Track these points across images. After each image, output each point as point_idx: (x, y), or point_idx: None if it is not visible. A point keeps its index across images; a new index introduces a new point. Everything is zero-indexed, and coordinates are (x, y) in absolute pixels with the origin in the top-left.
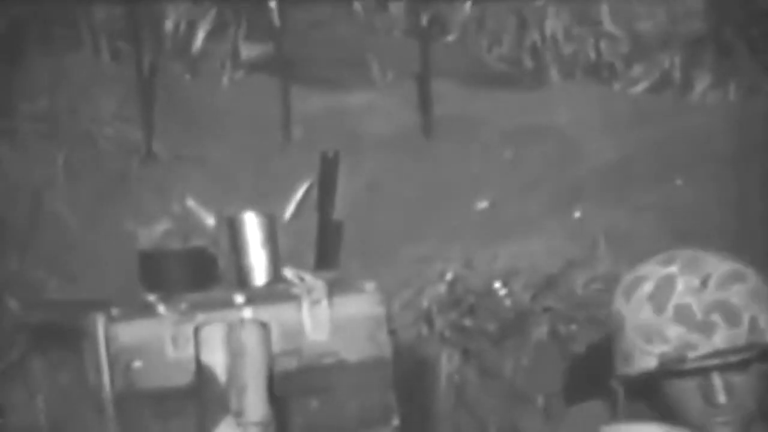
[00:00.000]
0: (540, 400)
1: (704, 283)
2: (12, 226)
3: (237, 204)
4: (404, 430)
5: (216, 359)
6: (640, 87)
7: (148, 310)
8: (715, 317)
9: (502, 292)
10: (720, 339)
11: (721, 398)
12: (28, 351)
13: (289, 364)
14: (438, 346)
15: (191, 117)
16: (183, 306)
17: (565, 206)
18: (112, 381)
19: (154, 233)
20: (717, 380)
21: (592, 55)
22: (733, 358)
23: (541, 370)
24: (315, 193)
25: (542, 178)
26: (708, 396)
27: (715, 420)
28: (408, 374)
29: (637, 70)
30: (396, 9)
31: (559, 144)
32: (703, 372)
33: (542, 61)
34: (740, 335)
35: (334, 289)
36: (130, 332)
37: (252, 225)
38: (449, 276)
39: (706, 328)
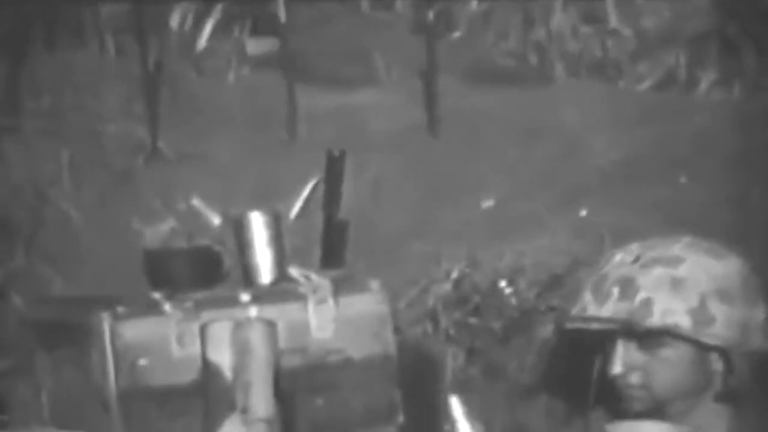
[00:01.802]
0: (544, 399)
1: (635, 260)
2: (16, 223)
3: (242, 202)
4: (409, 428)
5: (222, 357)
6: (646, 85)
7: (153, 308)
8: (614, 289)
9: (508, 290)
10: (605, 308)
11: (615, 368)
12: (32, 348)
13: (295, 362)
14: (443, 344)
15: (196, 114)
16: (188, 304)
17: (570, 204)
18: (117, 378)
19: (159, 232)
20: (618, 350)
21: (598, 52)
22: (596, 325)
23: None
24: (321, 191)
25: (548, 175)
26: (609, 365)
27: (625, 392)
28: (413, 372)
29: (642, 67)
30: (402, 5)
31: (565, 142)
32: (605, 339)
33: (548, 58)
34: (622, 310)
35: (339, 287)
36: (136, 330)
37: (257, 224)
38: (455, 274)
39: (601, 297)
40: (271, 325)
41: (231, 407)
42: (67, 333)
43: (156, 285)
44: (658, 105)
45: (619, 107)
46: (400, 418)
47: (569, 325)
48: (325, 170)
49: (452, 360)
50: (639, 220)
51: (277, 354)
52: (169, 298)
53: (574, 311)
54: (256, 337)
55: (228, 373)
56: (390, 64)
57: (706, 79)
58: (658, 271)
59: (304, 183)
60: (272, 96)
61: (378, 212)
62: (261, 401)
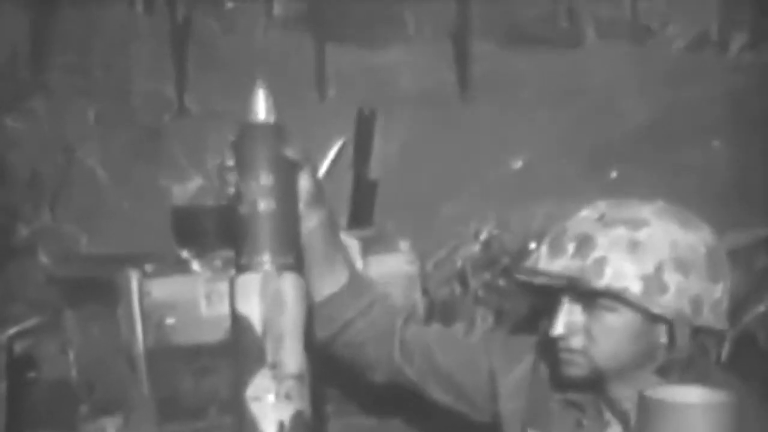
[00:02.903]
0: None
1: (600, 218)
2: (44, 180)
3: None
4: None
5: (252, 310)
6: (676, 46)
7: (182, 267)
8: (570, 245)
9: None
10: (557, 263)
11: (556, 328)
12: (60, 305)
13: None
14: (471, 305)
15: (224, 73)
16: (217, 263)
17: (601, 167)
18: (144, 337)
19: (187, 190)
20: (562, 308)
21: (629, 14)
22: (541, 279)
23: None
24: (350, 151)
25: (578, 138)
26: (551, 325)
27: (564, 355)
28: None
29: (673, 29)
30: None
31: (596, 104)
32: (553, 296)
33: (578, 21)
34: (573, 266)
35: (368, 247)
36: (164, 288)
37: None
38: (483, 236)
39: (557, 251)
40: (301, 277)
41: (261, 361)
42: (95, 291)
43: (184, 243)
44: (690, 67)
45: (649, 69)
46: None
47: (518, 277)
48: (356, 129)
49: (481, 321)
50: (670, 184)
51: (308, 308)
52: (198, 256)
53: (528, 263)
54: (288, 290)
55: (258, 326)
56: (421, 25)
57: (738, 40)
58: (618, 232)
59: (333, 142)
60: (301, 55)
61: (407, 172)
62: (292, 356)
